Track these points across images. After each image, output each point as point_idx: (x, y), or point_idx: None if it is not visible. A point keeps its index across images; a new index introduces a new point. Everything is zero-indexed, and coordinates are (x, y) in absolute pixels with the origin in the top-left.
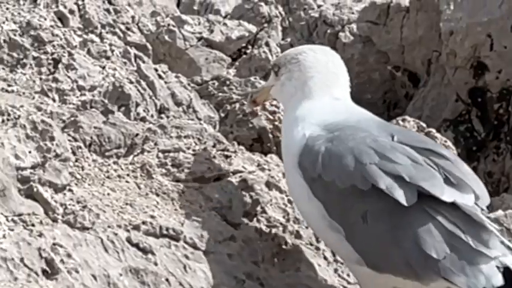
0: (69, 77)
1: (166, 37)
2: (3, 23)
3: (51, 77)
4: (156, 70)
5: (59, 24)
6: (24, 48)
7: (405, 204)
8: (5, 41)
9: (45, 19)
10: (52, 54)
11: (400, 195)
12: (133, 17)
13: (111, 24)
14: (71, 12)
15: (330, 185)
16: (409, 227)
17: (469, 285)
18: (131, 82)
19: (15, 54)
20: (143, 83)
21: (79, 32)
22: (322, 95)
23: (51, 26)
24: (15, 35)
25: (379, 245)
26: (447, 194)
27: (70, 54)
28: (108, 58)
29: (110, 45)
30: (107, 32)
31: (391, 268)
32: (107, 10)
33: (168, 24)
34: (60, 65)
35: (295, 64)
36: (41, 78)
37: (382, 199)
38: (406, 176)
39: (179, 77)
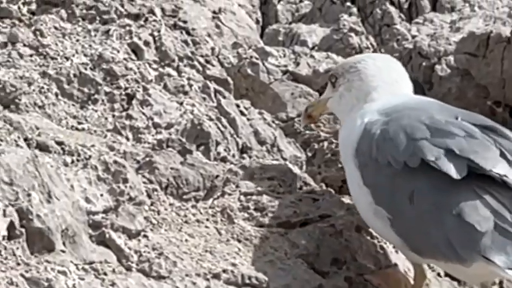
0: (143, 113)
1: (248, 70)
2: (73, 55)
3: (125, 113)
4: (238, 106)
5: (133, 56)
6: (95, 83)
7: (454, 176)
8: (75, 75)
9: (118, 51)
10: (125, 89)
11: (449, 168)
12: (213, 49)
13: (190, 57)
14: (146, 44)
15: (381, 168)
16: (454, 205)
17: (509, 265)
18: (211, 119)
19: (86, 90)
20: (224, 120)
21: (155, 65)
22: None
23: (125, 59)
24: (86, 68)
25: (422, 225)
26: (499, 167)
27: (145, 89)
28: (186, 93)
29: (188, 79)
30: (184, 65)
31: (433, 250)
32: (185, 42)
33: (251, 57)
34: (134, 101)
35: (354, 73)
36: (113, 115)
37: (430, 176)
38: (457, 149)
39: (263, 113)
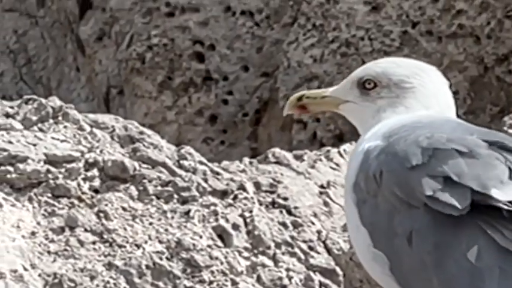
0: None
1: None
2: (146, 242)
3: None
4: None
5: (219, 243)
6: (173, 275)
7: (455, 213)
8: (148, 266)
9: (201, 237)
10: (210, 283)
11: (448, 204)
12: (319, 232)
13: (289, 243)
14: (235, 227)
15: (379, 205)
16: (455, 246)
17: None
18: None
19: (161, 284)
20: None
21: (246, 254)
22: None
23: (209, 246)
24: (161, 258)
25: (420, 271)
26: (506, 191)
27: (234, 282)
28: (284, 287)
29: (287, 270)
30: (282, 253)
31: None
32: (283, 224)
33: None
34: None
35: (408, 90)
36: None
37: (429, 212)
38: (455, 175)
39: None
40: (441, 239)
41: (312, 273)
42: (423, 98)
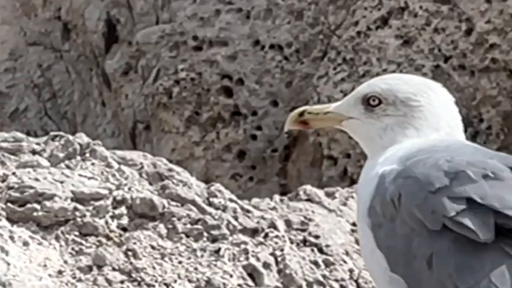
0: None
1: None
2: (175, 281)
3: None
4: None
5: (250, 282)
6: None
7: (479, 238)
8: None
9: (231, 276)
10: None
11: (471, 228)
12: (351, 271)
13: (321, 282)
14: (266, 265)
15: (397, 229)
16: (479, 270)
17: None
18: None
19: None
20: None
21: None
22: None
23: (239, 285)
24: None
25: None
26: None
27: None
28: None
29: None
30: None
31: None
32: (315, 262)
33: None
34: None
35: (415, 109)
36: None
37: (451, 235)
38: (478, 196)
39: None
40: (463, 261)
41: None
42: (432, 117)
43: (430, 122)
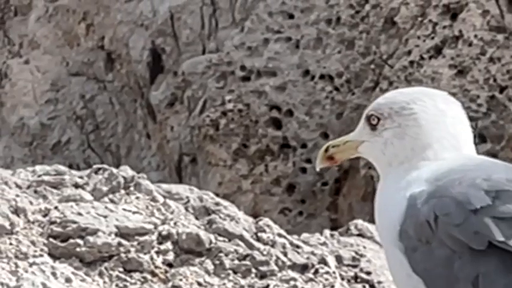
0: None
1: None
2: None
3: None
4: None
5: None
6: None
7: None
8: None
9: None
10: None
11: None
12: None
13: None
14: None
15: (435, 251)
16: None
17: None
18: None
19: None
20: None
21: None
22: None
23: None
24: None
25: None
26: None
27: None
28: None
29: None
30: None
31: None
32: None
33: None
34: None
35: (409, 117)
36: None
37: (498, 256)
38: None
39: None
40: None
41: None
42: (428, 124)
43: (425, 129)
